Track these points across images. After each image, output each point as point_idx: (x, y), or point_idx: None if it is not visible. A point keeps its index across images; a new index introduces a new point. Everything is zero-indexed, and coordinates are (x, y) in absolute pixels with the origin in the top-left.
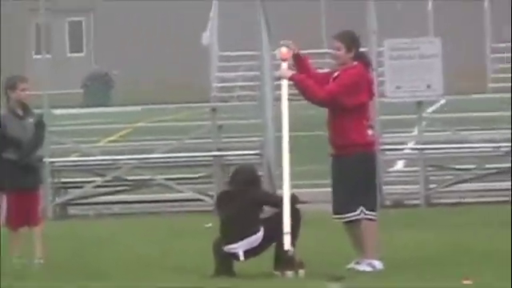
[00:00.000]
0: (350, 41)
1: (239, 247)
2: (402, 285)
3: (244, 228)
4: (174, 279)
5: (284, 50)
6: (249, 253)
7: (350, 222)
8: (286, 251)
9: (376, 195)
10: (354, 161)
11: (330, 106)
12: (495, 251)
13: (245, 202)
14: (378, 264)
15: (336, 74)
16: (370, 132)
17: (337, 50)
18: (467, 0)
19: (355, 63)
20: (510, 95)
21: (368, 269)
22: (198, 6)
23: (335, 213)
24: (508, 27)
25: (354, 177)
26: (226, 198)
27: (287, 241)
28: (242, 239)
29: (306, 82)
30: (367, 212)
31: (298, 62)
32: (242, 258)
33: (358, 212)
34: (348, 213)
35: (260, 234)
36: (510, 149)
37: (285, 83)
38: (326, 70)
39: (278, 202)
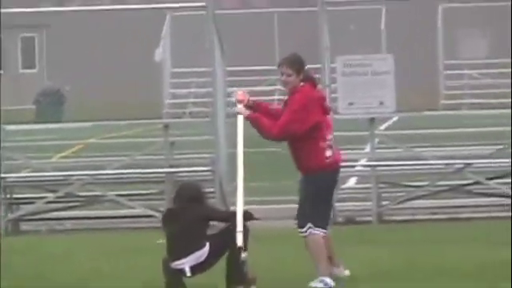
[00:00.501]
0: (299, 65)
1: (185, 263)
2: None
3: (189, 244)
4: None
5: (240, 92)
6: (195, 268)
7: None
8: (239, 266)
9: (329, 212)
10: (307, 179)
11: (285, 140)
12: (447, 267)
13: (189, 218)
14: (330, 281)
15: (286, 100)
16: (327, 153)
17: (287, 76)
18: (420, 18)
19: (301, 84)
20: (461, 112)
21: (320, 285)
22: (150, 22)
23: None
24: (462, 45)
25: (304, 194)
26: (171, 215)
27: (239, 239)
28: (187, 255)
29: (259, 122)
30: (315, 228)
31: (254, 108)
32: (188, 273)
33: (305, 229)
34: (300, 228)
35: (206, 249)
36: (462, 166)
37: (240, 117)
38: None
39: (225, 217)
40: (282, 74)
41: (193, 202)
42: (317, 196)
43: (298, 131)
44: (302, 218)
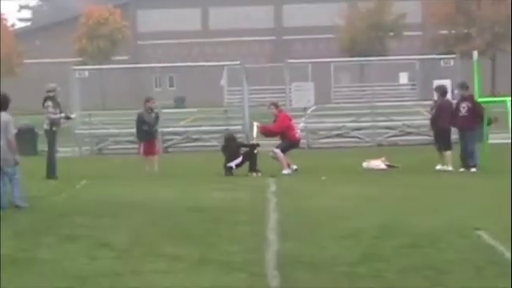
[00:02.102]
0: (275, 105)
1: (232, 163)
2: None
3: (233, 156)
4: None
5: (256, 123)
6: (237, 166)
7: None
8: (254, 164)
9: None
10: (284, 140)
11: (279, 133)
12: None
13: (232, 145)
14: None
15: (274, 120)
16: (297, 134)
17: (273, 109)
18: None
19: (280, 110)
20: None
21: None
22: (220, 69)
23: None
24: None
25: (281, 143)
26: (224, 145)
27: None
28: (232, 160)
29: (266, 128)
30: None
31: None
32: (234, 167)
33: (276, 151)
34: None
35: (240, 158)
36: None
37: (255, 125)
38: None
39: (247, 145)
40: (270, 108)
41: (232, 140)
42: (288, 146)
43: (284, 127)
44: (276, 148)
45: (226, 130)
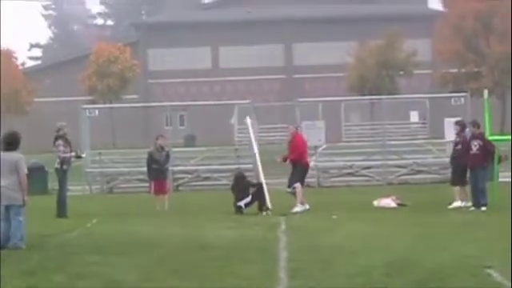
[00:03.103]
0: (296, 126)
1: (242, 202)
2: None
3: (242, 195)
4: None
5: (279, 160)
6: (246, 205)
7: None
8: (263, 205)
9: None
10: (296, 166)
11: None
12: None
13: (242, 184)
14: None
15: (290, 139)
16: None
17: (292, 129)
18: None
19: (297, 132)
20: None
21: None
22: (231, 108)
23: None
24: None
25: (294, 172)
26: (235, 184)
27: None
28: (241, 200)
29: (289, 155)
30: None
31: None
32: (243, 207)
33: (293, 186)
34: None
35: (249, 197)
36: None
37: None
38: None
39: (255, 185)
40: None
41: (241, 179)
42: (303, 174)
43: (302, 146)
44: (291, 182)
45: (237, 168)
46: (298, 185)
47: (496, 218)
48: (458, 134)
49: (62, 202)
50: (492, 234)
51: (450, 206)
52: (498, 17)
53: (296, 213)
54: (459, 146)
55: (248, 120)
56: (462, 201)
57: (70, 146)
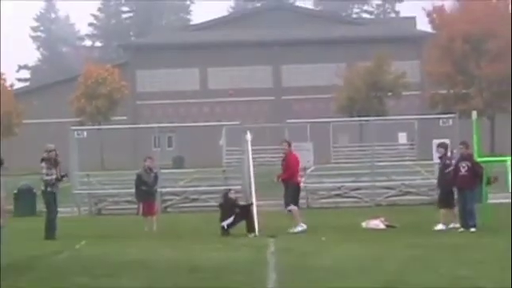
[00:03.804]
0: (288, 143)
1: (225, 223)
2: None
3: (227, 214)
4: None
5: (275, 180)
6: (228, 226)
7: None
8: (250, 224)
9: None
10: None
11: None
12: None
13: (228, 203)
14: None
15: (283, 158)
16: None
17: (285, 147)
18: None
19: (290, 152)
20: None
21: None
22: (219, 129)
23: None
24: None
25: (288, 192)
26: (222, 204)
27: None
28: (225, 220)
29: (284, 174)
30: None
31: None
32: (225, 227)
33: (290, 207)
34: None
35: (232, 218)
36: None
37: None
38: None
39: (240, 207)
40: (282, 145)
41: (228, 198)
42: (296, 194)
43: (296, 165)
44: (287, 201)
45: (228, 189)
46: (293, 207)
47: (487, 240)
48: (443, 157)
49: (50, 225)
50: (484, 255)
51: (436, 228)
52: (489, 40)
53: (296, 232)
54: (450, 169)
55: (248, 135)
56: (450, 223)
57: (57, 167)
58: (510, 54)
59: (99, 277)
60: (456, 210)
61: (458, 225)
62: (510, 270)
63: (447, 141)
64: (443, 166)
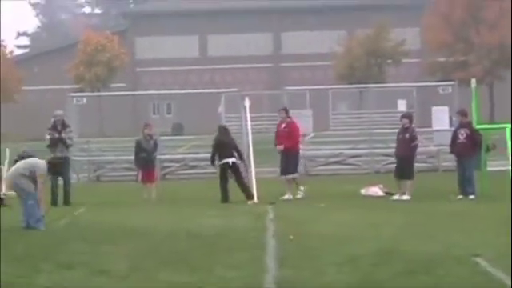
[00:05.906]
0: (286, 110)
1: (230, 160)
2: None
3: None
4: None
5: (280, 148)
6: (233, 163)
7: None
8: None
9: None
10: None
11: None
12: None
13: (227, 141)
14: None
15: (283, 126)
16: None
17: (283, 115)
18: None
19: (293, 121)
20: None
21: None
22: (218, 96)
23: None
24: None
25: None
26: (220, 137)
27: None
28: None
29: (290, 145)
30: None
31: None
32: (230, 164)
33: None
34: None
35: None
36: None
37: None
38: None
39: (239, 152)
40: (279, 113)
41: (227, 134)
42: (297, 161)
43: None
44: (288, 170)
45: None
46: (297, 175)
47: (484, 208)
48: (408, 128)
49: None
50: (480, 223)
51: (393, 198)
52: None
53: (301, 198)
54: (416, 143)
55: (247, 101)
56: (403, 194)
57: (61, 130)
58: (509, 21)
59: (98, 244)
60: (409, 183)
61: (406, 196)
62: (510, 238)
63: (446, 108)
64: (409, 138)
